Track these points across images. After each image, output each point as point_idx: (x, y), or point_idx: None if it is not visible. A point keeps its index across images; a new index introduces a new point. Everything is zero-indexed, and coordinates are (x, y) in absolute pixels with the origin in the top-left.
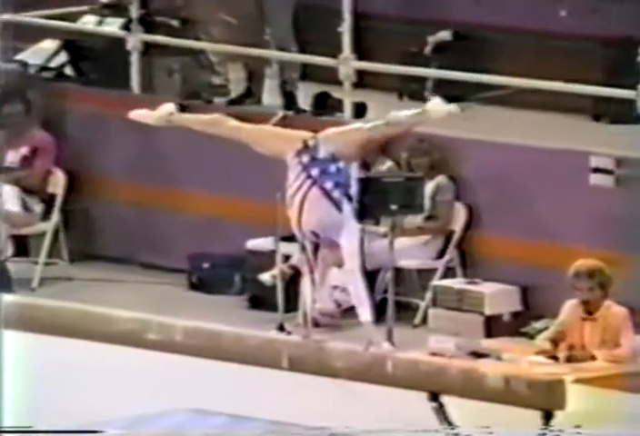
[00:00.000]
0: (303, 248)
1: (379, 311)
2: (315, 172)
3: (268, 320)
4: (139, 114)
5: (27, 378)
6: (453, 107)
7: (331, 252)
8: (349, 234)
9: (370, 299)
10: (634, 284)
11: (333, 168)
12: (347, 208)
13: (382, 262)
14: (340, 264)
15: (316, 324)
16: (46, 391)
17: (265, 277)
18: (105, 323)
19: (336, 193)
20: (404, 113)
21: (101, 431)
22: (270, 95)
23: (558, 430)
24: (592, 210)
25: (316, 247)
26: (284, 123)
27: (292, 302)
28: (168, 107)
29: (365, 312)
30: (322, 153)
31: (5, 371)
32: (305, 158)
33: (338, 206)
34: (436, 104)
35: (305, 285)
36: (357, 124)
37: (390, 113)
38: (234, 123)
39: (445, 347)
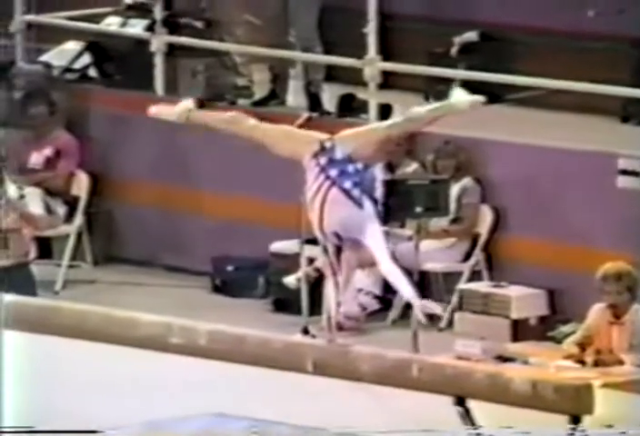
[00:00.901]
0: (325, 250)
1: (404, 314)
2: (333, 172)
3: (292, 323)
4: (158, 110)
5: (50, 382)
6: (476, 98)
7: (355, 254)
8: (373, 232)
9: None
10: None
11: (351, 168)
12: (368, 206)
13: (407, 264)
14: (364, 266)
15: (341, 328)
16: (69, 395)
17: (290, 280)
18: (129, 327)
19: (356, 192)
20: (425, 107)
21: (101, 431)
22: (295, 97)
23: (583, 430)
24: (619, 212)
25: (339, 249)
26: (308, 124)
27: (316, 306)
28: (187, 103)
29: (410, 294)
30: (339, 154)
31: (4, 371)
32: (323, 160)
33: (359, 205)
34: (460, 96)
35: (329, 288)
36: (375, 124)
37: (411, 109)
38: (252, 122)
39: (470, 351)
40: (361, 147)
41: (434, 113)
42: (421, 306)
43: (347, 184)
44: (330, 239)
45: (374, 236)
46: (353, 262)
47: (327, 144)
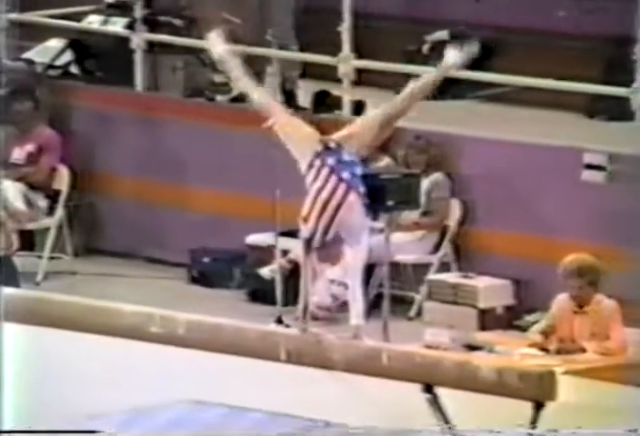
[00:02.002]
0: (308, 244)
1: (375, 304)
2: (346, 175)
3: (267, 313)
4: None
5: (31, 370)
6: (470, 49)
7: (334, 250)
8: (362, 245)
9: (364, 301)
10: (624, 277)
11: (359, 171)
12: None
13: (378, 256)
14: (335, 262)
15: (314, 318)
16: (50, 382)
17: (265, 271)
18: (109, 317)
19: (365, 198)
20: (421, 77)
21: (101, 431)
22: (271, 93)
23: (553, 430)
24: (584, 205)
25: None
26: None
27: (290, 296)
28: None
29: (357, 316)
30: (346, 155)
31: (4, 364)
32: (331, 160)
33: (366, 211)
34: (452, 55)
35: (304, 279)
36: (369, 115)
37: (408, 86)
38: (277, 108)
39: (439, 340)
40: (365, 145)
41: (434, 78)
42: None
43: (361, 189)
44: (322, 238)
45: (359, 250)
46: (330, 257)
47: (332, 145)
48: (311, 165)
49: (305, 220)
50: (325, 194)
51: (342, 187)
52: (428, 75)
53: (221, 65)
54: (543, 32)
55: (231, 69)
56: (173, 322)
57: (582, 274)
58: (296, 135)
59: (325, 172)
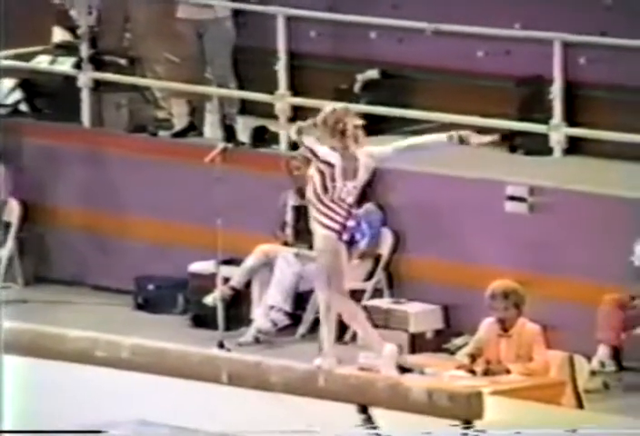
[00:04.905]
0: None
1: (312, 329)
2: None
3: (209, 338)
4: None
5: None
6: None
7: None
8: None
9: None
10: (545, 303)
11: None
12: None
13: (314, 283)
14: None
15: (257, 341)
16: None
17: (208, 299)
18: (57, 342)
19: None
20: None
21: (101, 431)
22: (211, 129)
23: (481, 430)
24: (507, 234)
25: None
26: (224, 154)
27: (232, 322)
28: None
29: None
30: None
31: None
32: None
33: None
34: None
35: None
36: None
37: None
38: None
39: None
40: None
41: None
42: None
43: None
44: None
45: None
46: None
47: None
48: None
49: None
50: None
51: None
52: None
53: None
54: (464, 72)
55: None
56: (117, 346)
57: (507, 296)
58: None
59: None
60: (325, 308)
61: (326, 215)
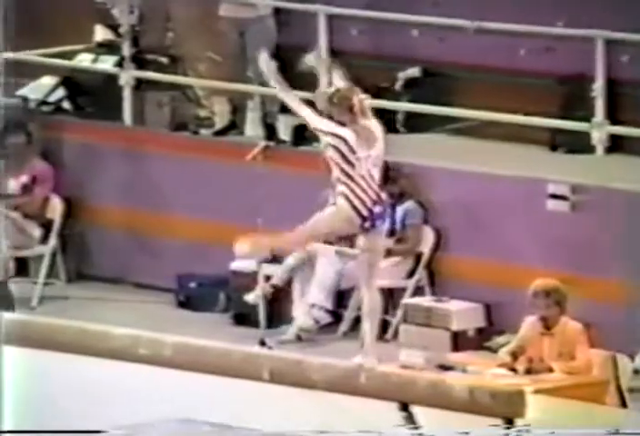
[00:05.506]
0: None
1: (353, 327)
2: None
3: (251, 336)
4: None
5: (27, 390)
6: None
7: None
8: None
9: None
10: (587, 302)
11: None
12: None
13: (356, 281)
14: None
15: (298, 338)
16: (45, 402)
17: (250, 297)
18: (100, 340)
19: None
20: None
21: (101, 432)
22: (252, 127)
23: (523, 428)
24: (549, 233)
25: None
26: (265, 152)
27: (273, 319)
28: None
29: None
30: None
31: (4, 385)
32: None
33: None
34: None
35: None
36: None
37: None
38: None
39: (414, 360)
40: None
41: None
42: None
43: None
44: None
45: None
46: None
47: None
48: None
49: None
50: None
51: None
52: None
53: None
54: (506, 70)
55: None
56: (159, 344)
57: (549, 294)
58: None
59: None
60: (368, 305)
61: (357, 196)
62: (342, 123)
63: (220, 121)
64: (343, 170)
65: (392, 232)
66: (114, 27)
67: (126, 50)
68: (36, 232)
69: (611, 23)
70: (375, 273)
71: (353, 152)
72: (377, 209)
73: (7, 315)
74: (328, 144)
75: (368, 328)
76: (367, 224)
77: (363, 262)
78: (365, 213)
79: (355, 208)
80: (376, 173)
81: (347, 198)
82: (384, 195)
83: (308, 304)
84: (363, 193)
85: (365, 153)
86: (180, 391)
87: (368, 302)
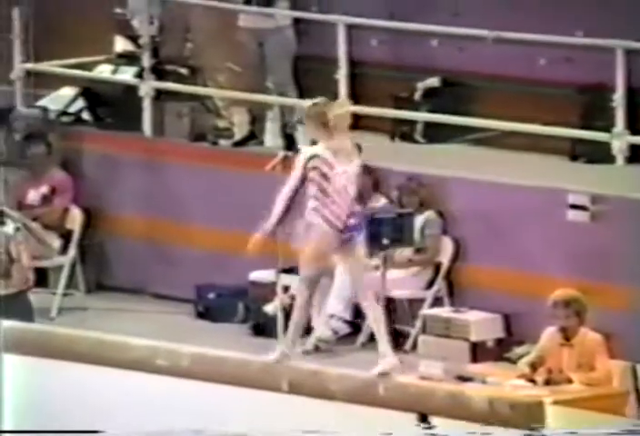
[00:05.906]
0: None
1: (372, 337)
2: None
3: (270, 346)
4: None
5: (43, 400)
6: None
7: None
8: None
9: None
10: (607, 312)
11: None
12: None
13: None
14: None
15: (317, 349)
16: (63, 410)
17: (269, 308)
18: (118, 350)
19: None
20: None
21: (101, 432)
22: (272, 137)
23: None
24: (569, 243)
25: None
26: (284, 162)
27: None
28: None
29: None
30: None
31: (5, 392)
32: None
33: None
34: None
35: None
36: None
37: None
38: None
39: (433, 371)
40: None
41: None
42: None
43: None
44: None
45: None
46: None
47: None
48: None
49: None
50: None
51: None
52: None
53: None
54: (525, 80)
55: None
56: (178, 355)
57: (568, 304)
58: None
59: None
60: (370, 315)
61: (330, 210)
62: (313, 141)
63: (239, 131)
64: (320, 186)
65: (411, 243)
66: (133, 38)
67: (146, 61)
68: (56, 242)
69: (630, 32)
70: (366, 284)
71: (332, 168)
72: (352, 221)
73: (25, 325)
74: (312, 167)
75: (378, 336)
76: (344, 236)
77: (350, 274)
78: (339, 225)
79: (328, 221)
80: (352, 190)
81: (320, 212)
82: (358, 208)
83: (327, 315)
84: (337, 207)
85: (342, 168)
86: (198, 401)
87: (369, 312)
